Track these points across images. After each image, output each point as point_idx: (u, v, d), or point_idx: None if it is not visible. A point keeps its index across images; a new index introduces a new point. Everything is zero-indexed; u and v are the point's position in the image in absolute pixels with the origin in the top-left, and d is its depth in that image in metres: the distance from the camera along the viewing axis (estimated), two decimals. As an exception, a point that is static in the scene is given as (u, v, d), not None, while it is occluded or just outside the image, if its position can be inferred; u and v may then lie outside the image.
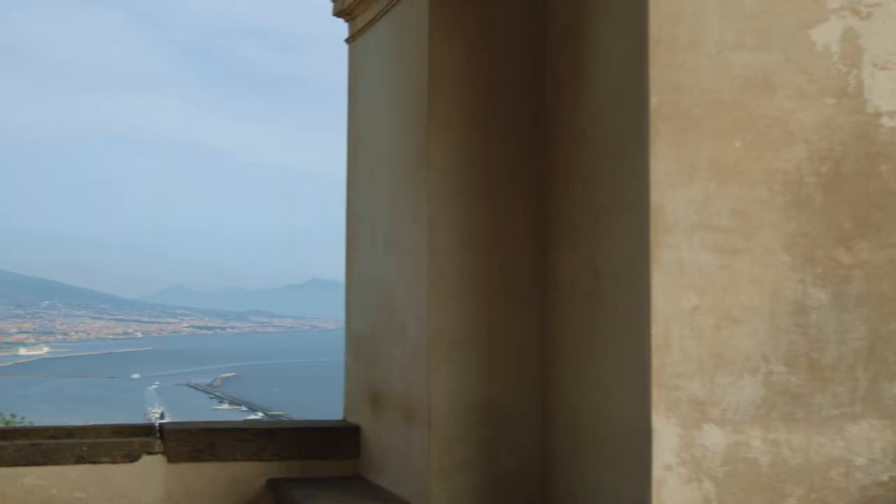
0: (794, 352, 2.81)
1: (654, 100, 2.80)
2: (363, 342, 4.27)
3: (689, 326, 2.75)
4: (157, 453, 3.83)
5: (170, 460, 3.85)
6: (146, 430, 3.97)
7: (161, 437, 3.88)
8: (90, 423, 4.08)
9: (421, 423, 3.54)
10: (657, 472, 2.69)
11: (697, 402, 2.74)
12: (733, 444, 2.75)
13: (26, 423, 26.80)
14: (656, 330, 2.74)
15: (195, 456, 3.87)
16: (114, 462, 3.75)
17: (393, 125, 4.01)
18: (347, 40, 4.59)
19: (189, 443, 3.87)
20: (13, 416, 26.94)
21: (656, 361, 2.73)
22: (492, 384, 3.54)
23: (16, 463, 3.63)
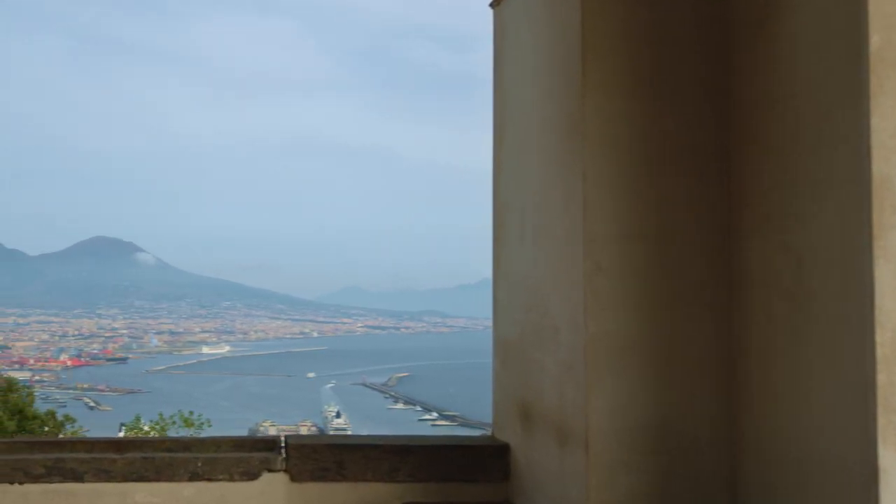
0: None
1: (875, 39, 2.26)
2: (512, 348, 3.82)
3: (929, 334, 2.16)
4: (279, 471, 3.52)
5: (293, 479, 3.54)
6: (269, 445, 3.68)
7: (284, 453, 3.57)
8: (210, 436, 3.82)
9: (577, 446, 3.05)
10: (887, 524, 2.12)
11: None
12: None
13: (205, 420, 28.21)
14: (882, 337, 2.20)
15: (321, 475, 3.54)
16: (231, 480, 3.47)
17: (542, 95, 3.54)
18: (492, 4, 4.15)
19: (314, 460, 3.55)
20: (191, 413, 28.45)
21: (883, 378, 2.19)
22: (664, 402, 3.00)
23: (126, 478, 3.42)
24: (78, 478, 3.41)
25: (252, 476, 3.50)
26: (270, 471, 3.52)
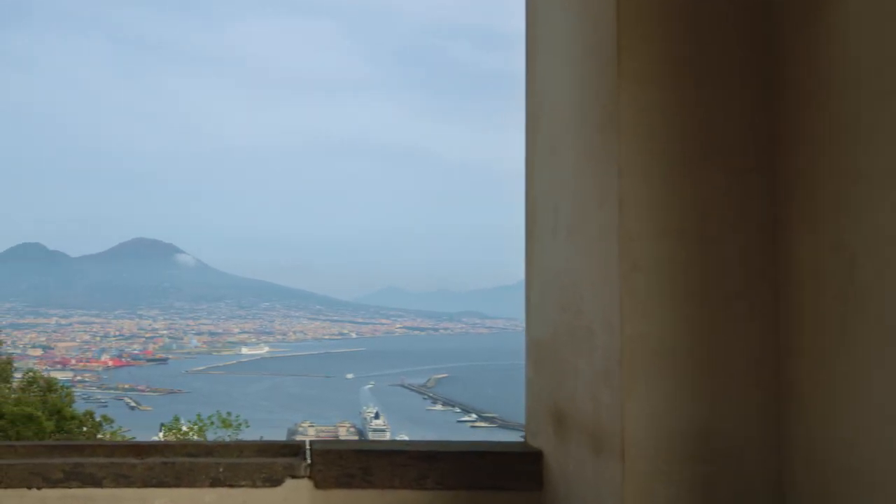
0: None
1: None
2: (545, 350, 3.68)
3: None
4: (303, 477, 3.42)
5: (317, 486, 3.43)
6: (293, 450, 3.58)
7: (309, 459, 3.47)
8: (233, 440, 3.73)
9: (612, 454, 2.90)
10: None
11: None
12: None
13: (242, 421, 28.36)
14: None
15: (346, 482, 3.43)
16: (253, 486, 3.38)
17: (575, 86, 3.40)
18: (524, -8, 4.02)
19: (340, 466, 3.44)
20: (229, 414, 28.64)
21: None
22: (705, 408, 2.85)
23: (146, 484, 3.34)
24: (97, 483, 3.34)
25: (275, 482, 3.40)
26: (294, 477, 3.42)
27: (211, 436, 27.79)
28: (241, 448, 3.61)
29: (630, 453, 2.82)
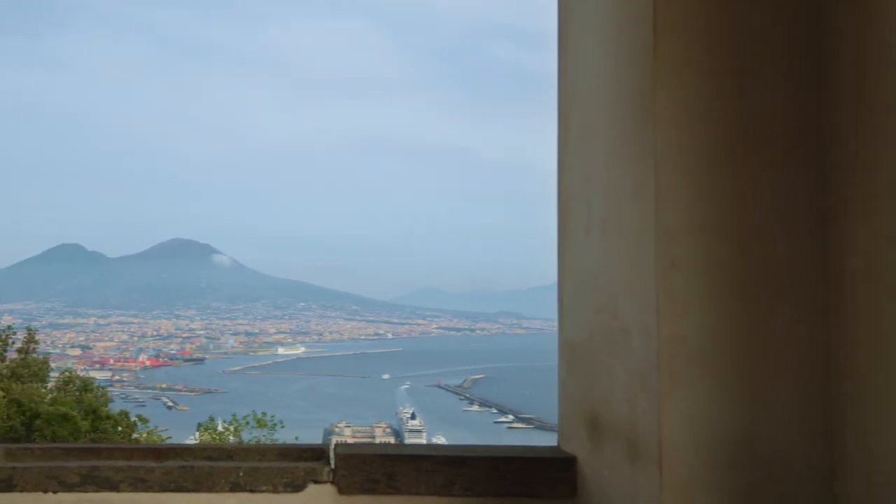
0: None
1: None
2: (579, 352, 3.54)
3: None
4: (326, 482, 3.31)
5: (340, 491, 3.32)
6: (316, 454, 3.48)
7: (332, 463, 3.37)
8: (255, 443, 3.64)
9: (649, 461, 2.77)
10: None
11: None
12: None
13: (278, 421, 28.43)
14: None
15: (371, 487, 3.33)
16: (274, 491, 3.28)
17: (609, 75, 3.26)
18: (556, -22, 3.89)
19: (364, 471, 3.33)
20: (264, 414, 28.74)
21: None
22: (749, 414, 2.70)
23: (163, 488, 3.26)
24: (113, 487, 3.27)
25: (297, 488, 3.30)
26: (316, 482, 3.32)
27: (246, 436, 27.93)
28: (262, 451, 3.52)
29: (668, 460, 2.68)
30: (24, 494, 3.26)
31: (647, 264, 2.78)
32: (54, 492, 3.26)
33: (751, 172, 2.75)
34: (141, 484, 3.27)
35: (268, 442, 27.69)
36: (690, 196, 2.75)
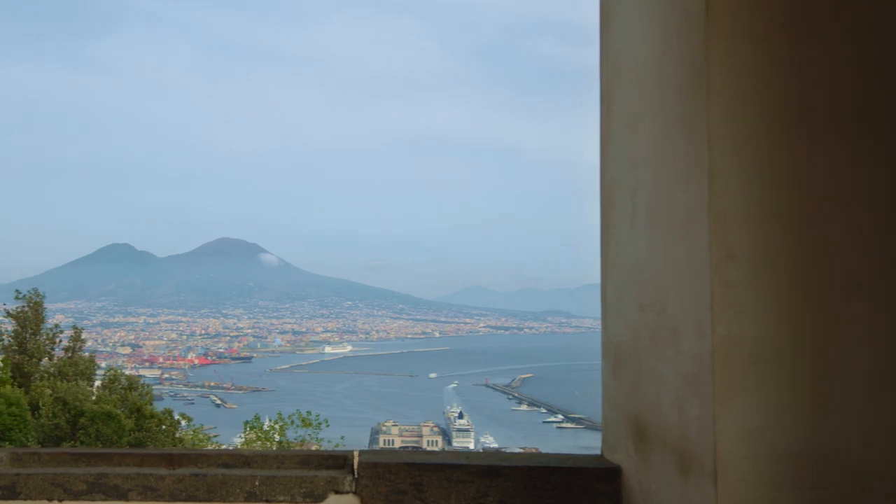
0: None
1: None
2: (624, 353, 3.27)
3: None
4: (348, 493, 3.09)
5: (363, 502, 3.10)
6: (338, 462, 3.26)
7: (355, 473, 3.15)
8: (273, 450, 3.42)
9: (703, 476, 2.49)
10: None
11: None
12: None
13: (323, 420, 28.40)
14: None
15: (396, 499, 3.09)
16: (292, 501, 3.06)
17: (656, 47, 2.98)
18: (599, -53, 3.62)
19: (389, 481, 3.10)
20: (308, 413, 28.72)
21: None
22: (817, 425, 2.41)
23: (174, 497, 3.06)
24: (122, 496, 3.08)
25: (316, 498, 3.08)
26: (338, 492, 3.09)
27: (291, 435, 27.91)
28: (281, 459, 3.30)
29: (724, 475, 2.41)
30: (28, 503, 3.08)
31: (701, 256, 2.51)
32: (59, 500, 3.08)
33: (817, 150, 2.46)
34: (151, 492, 3.08)
35: (310, 441, 27.66)
36: (748, 177, 2.47)
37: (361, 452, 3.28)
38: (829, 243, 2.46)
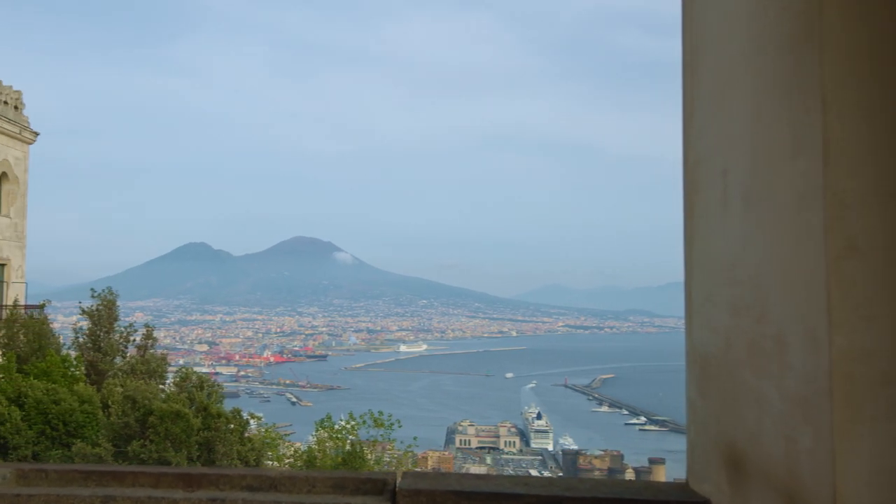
0: None
1: None
2: (713, 365, 2.79)
3: None
4: None
5: None
6: (377, 486, 2.85)
7: (395, 499, 2.74)
8: (303, 471, 3.03)
9: (818, 525, 2.02)
10: None
11: None
12: None
13: (395, 420, 28.13)
14: None
15: (442, 534, 2.68)
16: None
17: (750, 5, 2.50)
18: None
19: (431, 510, 2.69)
20: (381, 413, 28.50)
21: None
22: (966, 463, 1.92)
23: None
24: None
25: None
26: None
27: (363, 435, 27.70)
28: (312, 482, 2.91)
29: (845, 525, 1.93)
30: None
31: (813, 248, 2.03)
32: None
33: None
34: None
35: (382, 441, 27.43)
36: (873, 149, 2.00)
37: (404, 475, 2.88)
38: (982, 231, 1.96)
